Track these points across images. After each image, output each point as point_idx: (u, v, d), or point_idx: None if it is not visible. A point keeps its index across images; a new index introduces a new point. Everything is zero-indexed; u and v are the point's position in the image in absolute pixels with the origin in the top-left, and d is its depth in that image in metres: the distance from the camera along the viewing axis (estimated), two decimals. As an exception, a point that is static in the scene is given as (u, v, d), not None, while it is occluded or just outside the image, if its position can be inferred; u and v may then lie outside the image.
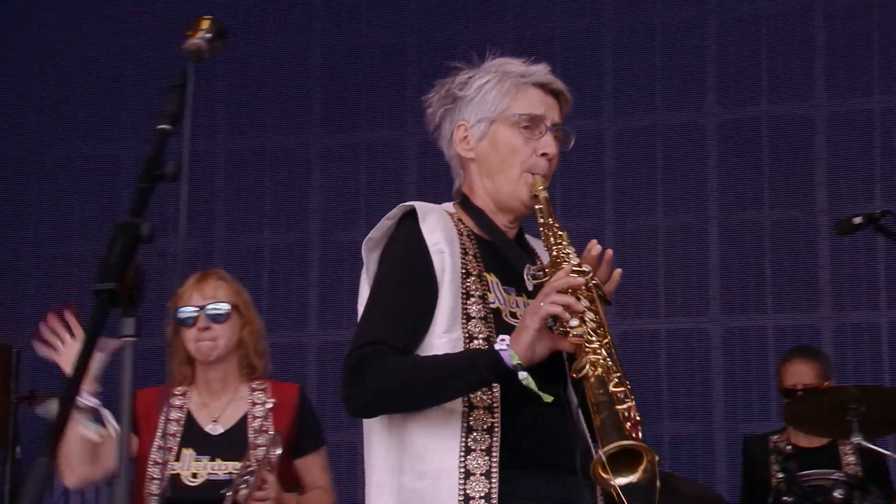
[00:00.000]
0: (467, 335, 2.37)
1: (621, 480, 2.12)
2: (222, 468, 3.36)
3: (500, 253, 2.49)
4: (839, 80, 5.88)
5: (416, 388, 2.32)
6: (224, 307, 3.47)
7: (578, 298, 2.26)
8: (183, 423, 3.45)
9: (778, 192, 5.87)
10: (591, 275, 2.32)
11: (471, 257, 2.46)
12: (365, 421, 2.44)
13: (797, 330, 5.74)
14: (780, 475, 4.01)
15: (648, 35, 6.12)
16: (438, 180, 5.90)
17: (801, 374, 4.58)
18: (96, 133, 6.66)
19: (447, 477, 2.31)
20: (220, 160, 6.58)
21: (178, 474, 3.36)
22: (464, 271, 2.42)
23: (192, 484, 3.35)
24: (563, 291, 2.25)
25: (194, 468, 3.37)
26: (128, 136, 6.59)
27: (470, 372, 2.29)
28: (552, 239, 2.41)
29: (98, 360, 3.12)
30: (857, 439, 4.05)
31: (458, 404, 2.34)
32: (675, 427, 5.77)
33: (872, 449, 4.11)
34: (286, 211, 6.48)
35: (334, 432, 6.20)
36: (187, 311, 3.46)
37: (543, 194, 2.47)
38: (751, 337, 5.83)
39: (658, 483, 2.11)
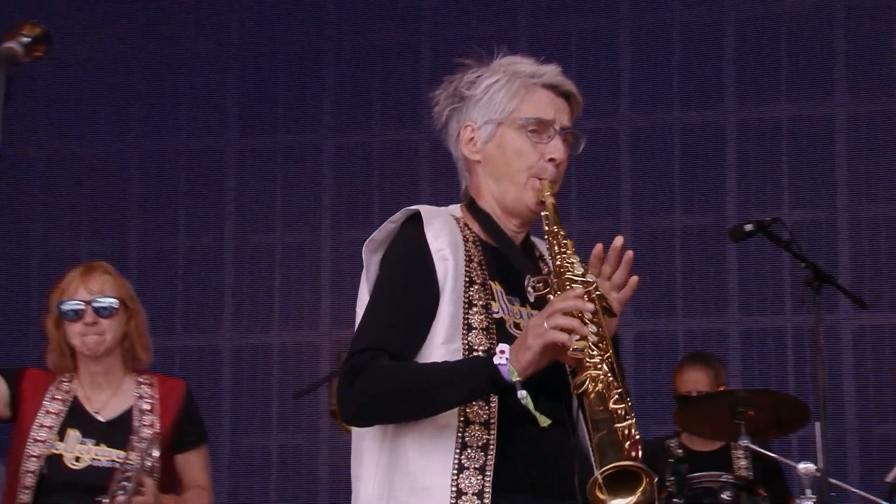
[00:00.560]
0: (467, 346, 2.31)
1: (619, 502, 2.06)
2: (106, 455, 3.34)
3: (505, 260, 2.42)
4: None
5: (411, 395, 2.26)
6: (112, 301, 3.44)
7: (583, 315, 2.19)
8: (69, 404, 3.42)
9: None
10: (595, 285, 2.24)
11: (476, 265, 2.39)
12: (354, 433, 2.38)
13: (705, 335, 5.80)
14: (671, 478, 4.04)
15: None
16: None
17: (695, 381, 4.61)
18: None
19: (438, 495, 2.24)
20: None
21: (61, 455, 3.34)
22: (467, 279, 2.36)
23: (74, 467, 3.33)
24: (569, 313, 2.17)
25: (78, 451, 3.35)
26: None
27: (468, 382, 2.23)
28: (556, 248, 2.33)
29: None
30: (745, 442, 4.09)
31: (452, 419, 2.27)
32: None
33: (760, 452, 4.15)
34: (201, 214, 6.47)
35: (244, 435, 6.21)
36: (73, 305, 3.43)
37: (550, 200, 2.39)
38: (661, 341, 5.88)
39: None
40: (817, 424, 4.03)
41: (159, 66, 6.56)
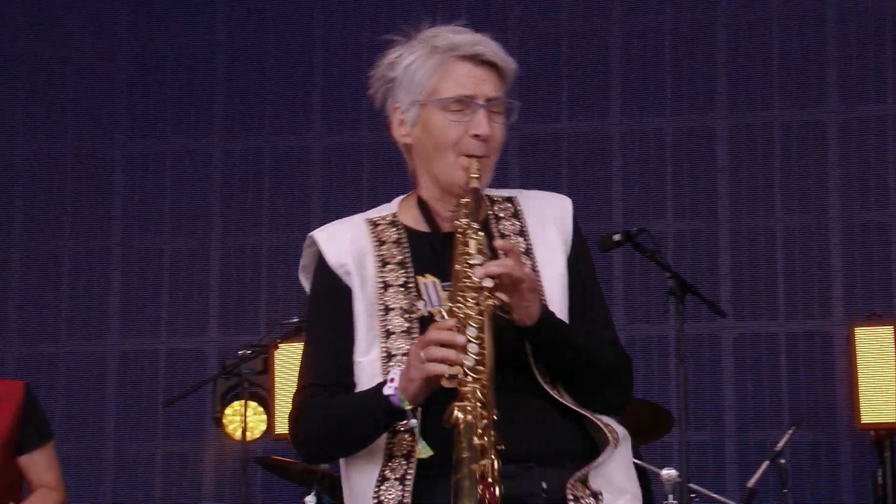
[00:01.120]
0: (385, 354, 2.26)
1: None
2: None
3: (439, 248, 2.30)
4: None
5: (339, 435, 2.25)
6: None
7: (465, 328, 2.13)
8: None
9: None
10: (489, 290, 2.16)
11: (394, 265, 2.32)
12: None
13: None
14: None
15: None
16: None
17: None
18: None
19: None
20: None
21: None
22: (381, 285, 2.30)
23: None
24: (443, 344, 2.12)
25: None
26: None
27: (371, 416, 2.21)
28: (459, 248, 2.21)
29: None
30: None
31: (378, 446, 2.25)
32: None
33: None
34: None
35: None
36: None
37: (474, 184, 2.27)
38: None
39: None
40: (679, 430, 4.12)
41: (53, 68, 6.47)
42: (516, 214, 2.40)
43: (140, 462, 6.15)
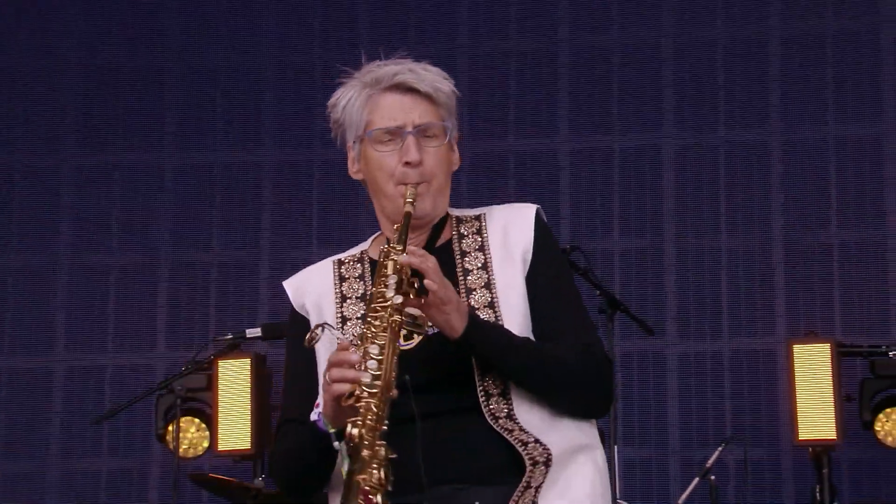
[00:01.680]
0: None
1: None
2: None
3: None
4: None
5: (292, 470, 2.39)
6: None
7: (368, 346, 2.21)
8: None
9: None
10: (396, 307, 2.23)
11: (354, 300, 2.42)
12: None
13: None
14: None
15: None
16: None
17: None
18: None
19: None
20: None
21: None
22: (339, 319, 2.40)
23: None
24: (339, 364, 2.21)
25: None
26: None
27: (307, 446, 2.33)
28: (380, 271, 2.29)
29: None
30: None
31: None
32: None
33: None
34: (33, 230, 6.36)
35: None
36: None
37: (407, 209, 2.35)
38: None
39: None
40: (615, 447, 4.16)
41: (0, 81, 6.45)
42: (479, 231, 2.46)
43: (85, 479, 6.12)
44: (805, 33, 6.09)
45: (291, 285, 2.49)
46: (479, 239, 2.45)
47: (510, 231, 2.44)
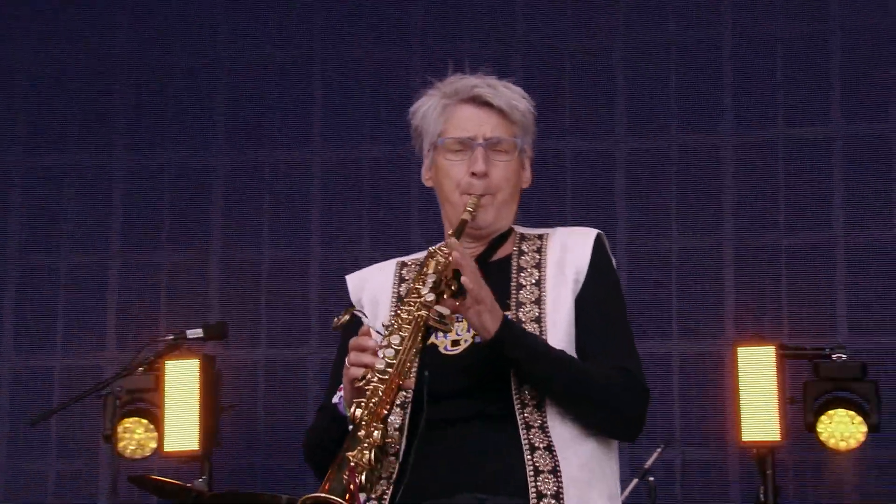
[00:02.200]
0: None
1: None
2: None
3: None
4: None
5: (316, 452, 2.46)
6: None
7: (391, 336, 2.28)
8: None
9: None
10: (431, 301, 2.31)
11: (410, 299, 2.42)
12: None
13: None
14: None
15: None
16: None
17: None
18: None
19: None
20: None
21: None
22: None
23: None
24: (357, 349, 2.30)
25: None
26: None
27: (328, 428, 2.41)
28: (422, 270, 2.39)
29: None
30: None
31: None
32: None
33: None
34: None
35: None
36: None
37: (464, 216, 2.45)
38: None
39: None
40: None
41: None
42: (539, 249, 2.53)
43: (32, 480, 6.08)
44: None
45: (353, 280, 2.59)
46: (538, 257, 2.52)
47: (568, 251, 2.51)
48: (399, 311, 2.33)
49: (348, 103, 6.26)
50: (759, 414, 5.06)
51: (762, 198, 5.99)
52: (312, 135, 6.29)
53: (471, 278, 2.31)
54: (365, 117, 6.24)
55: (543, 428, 2.37)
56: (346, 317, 2.43)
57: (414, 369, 2.31)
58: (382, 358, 2.26)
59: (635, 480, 4.35)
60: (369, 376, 2.25)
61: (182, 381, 5.40)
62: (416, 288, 2.34)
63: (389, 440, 2.27)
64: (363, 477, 2.17)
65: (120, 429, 5.43)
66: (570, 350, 2.42)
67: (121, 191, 6.36)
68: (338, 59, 6.31)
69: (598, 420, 2.41)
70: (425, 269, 2.36)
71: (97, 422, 5.64)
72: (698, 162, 6.09)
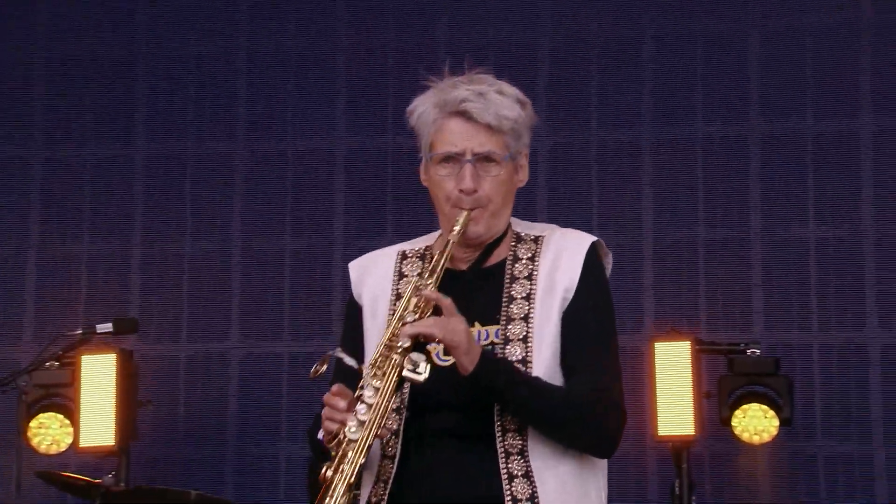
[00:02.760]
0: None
1: None
2: None
3: (455, 286, 2.47)
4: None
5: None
6: None
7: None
8: None
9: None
10: (407, 347, 2.36)
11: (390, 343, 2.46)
12: None
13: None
14: None
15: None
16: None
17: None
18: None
19: None
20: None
21: None
22: (391, 315, 2.47)
23: None
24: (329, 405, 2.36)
25: None
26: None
27: (315, 454, 2.46)
28: (404, 301, 2.44)
29: None
30: None
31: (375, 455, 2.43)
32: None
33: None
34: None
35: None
36: None
37: (452, 237, 2.46)
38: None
39: None
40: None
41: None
42: (533, 257, 2.53)
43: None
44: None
45: (355, 270, 2.60)
46: (531, 266, 2.52)
47: (560, 262, 2.51)
48: (378, 356, 2.36)
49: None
50: (675, 408, 5.12)
51: (680, 193, 6.05)
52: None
53: (436, 331, 2.36)
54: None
55: (523, 453, 2.43)
56: (324, 367, 2.41)
57: (394, 403, 2.38)
58: (354, 415, 2.31)
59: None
60: (341, 436, 2.31)
61: (98, 375, 5.35)
62: (398, 329, 2.38)
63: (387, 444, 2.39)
64: None
65: (35, 424, 5.37)
66: (555, 364, 2.46)
67: (39, 179, 6.31)
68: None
69: (572, 441, 2.45)
70: (408, 305, 2.41)
71: (10, 416, 5.57)
72: (618, 159, 6.12)
